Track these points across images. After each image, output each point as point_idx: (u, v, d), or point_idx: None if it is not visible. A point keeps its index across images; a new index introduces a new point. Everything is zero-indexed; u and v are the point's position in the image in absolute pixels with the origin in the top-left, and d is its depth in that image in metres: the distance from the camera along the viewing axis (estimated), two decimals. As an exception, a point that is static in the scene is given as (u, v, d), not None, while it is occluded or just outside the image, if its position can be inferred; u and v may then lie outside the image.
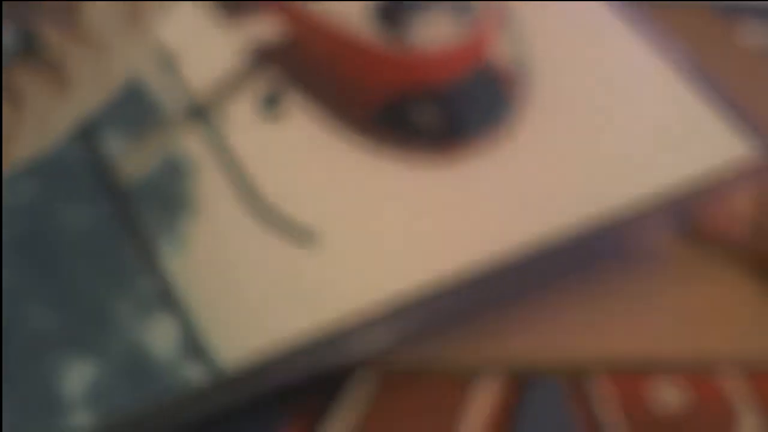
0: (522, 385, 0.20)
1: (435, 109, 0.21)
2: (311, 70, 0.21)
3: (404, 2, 0.22)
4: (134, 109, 0.20)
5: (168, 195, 0.19)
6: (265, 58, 0.21)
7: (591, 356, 0.21)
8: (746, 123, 0.22)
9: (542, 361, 0.20)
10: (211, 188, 0.19)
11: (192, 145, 0.20)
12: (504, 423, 0.20)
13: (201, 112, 0.21)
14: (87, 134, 0.20)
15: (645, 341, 0.21)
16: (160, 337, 0.18)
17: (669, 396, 0.20)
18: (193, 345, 0.18)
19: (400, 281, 0.18)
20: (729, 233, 0.24)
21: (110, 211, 0.19)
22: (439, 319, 0.19)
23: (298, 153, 0.20)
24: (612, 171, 0.20)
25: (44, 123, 0.20)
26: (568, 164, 0.20)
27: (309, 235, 0.19)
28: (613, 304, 0.21)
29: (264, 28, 0.22)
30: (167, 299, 0.18)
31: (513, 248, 0.18)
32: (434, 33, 0.22)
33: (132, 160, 0.20)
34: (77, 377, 0.17)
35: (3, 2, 0.21)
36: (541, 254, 0.18)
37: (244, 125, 0.20)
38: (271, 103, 0.21)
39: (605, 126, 0.21)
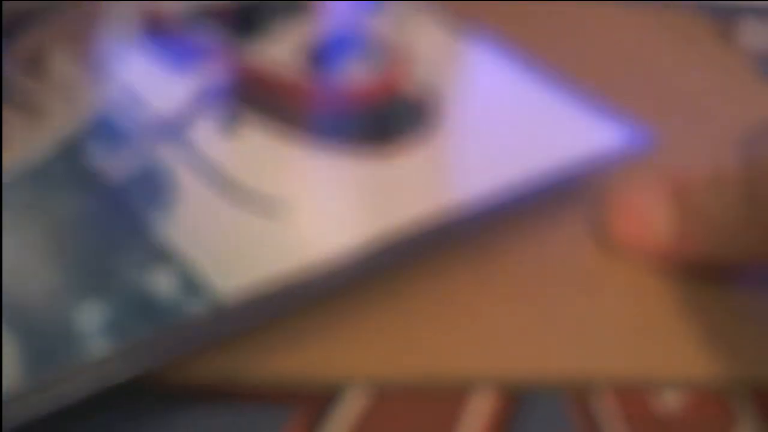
0: (519, 397, 0.22)
1: (362, 124, 0.26)
2: (258, 101, 0.26)
3: (330, 49, 0.28)
4: (111, 129, 0.24)
5: (150, 185, 0.23)
6: (218, 93, 0.26)
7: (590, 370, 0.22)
8: (610, 117, 0.27)
9: (538, 376, 0.22)
10: (188, 181, 0.23)
11: (165, 152, 0.24)
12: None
13: (169, 131, 0.25)
14: (72, 149, 0.24)
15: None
16: (161, 283, 0.20)
17: (669, 397, 0.22)
18: (192, 285, 0.20)
19: (348, 239, 0.22)
20: (643, 240, 0.25)
21: (101, 199, 0.22)
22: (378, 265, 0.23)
23: (259, 154, 0.24)
24: (498, 163, 0.25)
25: (24, 150, 0.23)
26: (468, 159, 0.25)
27: (274, 207, 0.23)
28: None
29: (211, 73, 0.27)
30: (163, 255, 0.21)
31: (430, 215, 0.23)
32: (354, 72, 0.28)
33: (113, 166, 0.23)
34: (91, 315, 0.19)
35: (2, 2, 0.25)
36: (450, 220, 0.23)
37: (209, 139, 0.24)
38: (230, 123, 0.25)
39: (494, 131, 0.27)
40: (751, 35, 0.38)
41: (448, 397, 0.21)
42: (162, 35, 0.28)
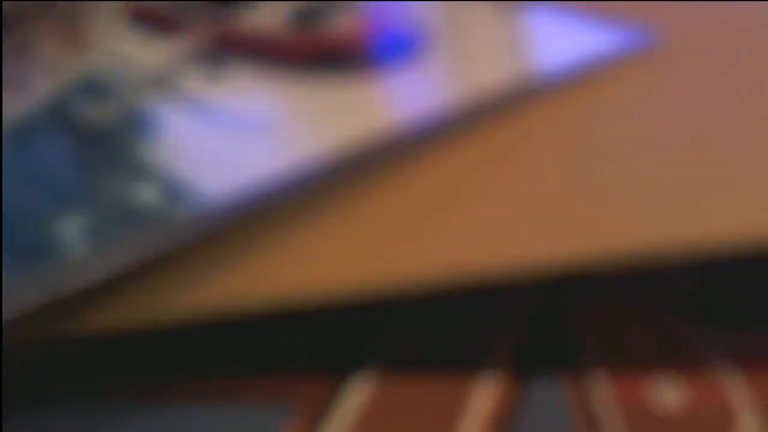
0: (522, 386, 0.21)
1: (351, 58, 0.26)
2: (243, 55, 0.27)
3: (316, 7, 0.28)
4: (96, 85, 0.25)
5: (135, 126, 0.23)
6: (202, 52, 0.27)
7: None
8: (602, 23, 0.28)
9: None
10: (172, 116, 0.23)
11: (152, 99, 0.24)
12: (502, 425, 0.20)
13: (155, 83, 0.25)
14: (57, 104, 0.24)
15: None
16: (145, 191, 0.20)
17: (668, 397, 0.21)
18: (175, 192, 0.20)
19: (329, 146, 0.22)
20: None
21: (86, 141, 0.22)
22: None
23: (244, 88, 0.25)
24: (487, 73, 0.25)
25: (11, 113, 0.23)
26: (458, 75, 0.26)
27: (257, 126, 0.23)
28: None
29: (195, 36, 0.27)
30: (145, 171, 0.21)
31: (418, 118, 0.23)
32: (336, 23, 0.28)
33: (99, 115, 0.23)
34: (73, 225, 0.19)
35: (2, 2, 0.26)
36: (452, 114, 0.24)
37: (195, 85, 0.25)
38: (215, 71, 0.25)
39: (481, 51, 0.27)
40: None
41: (450, 393, 0.21)
42: (148, 13, 0.29)
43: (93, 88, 0.25)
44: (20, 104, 0.24)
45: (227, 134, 0.22)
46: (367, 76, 0.25)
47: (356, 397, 0.20)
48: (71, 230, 0.19)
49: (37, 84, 0.25)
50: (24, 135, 0.23)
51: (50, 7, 0.28)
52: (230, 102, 0.24)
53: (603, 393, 0.21)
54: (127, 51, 0.27)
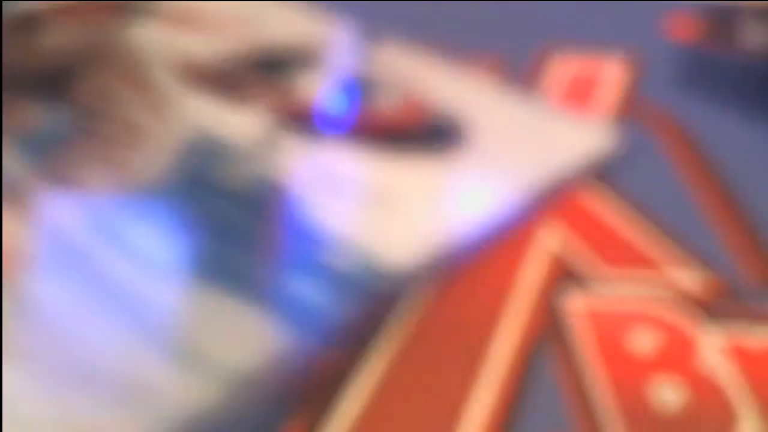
0: (520, 388, 0.22)
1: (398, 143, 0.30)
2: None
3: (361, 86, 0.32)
4: (211, 152, 0.28)
5: (272, 185, 0.26)
6: (284, 120, 0.30)
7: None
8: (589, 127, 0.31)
9: None
10: (301, 184, 0.26)
11: (270, 164, 0.27)
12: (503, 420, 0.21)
13: (264, 147, 0.28)
14: (187, 165, 0.27)
15: None
16: (342, 262, 0.24)
17: (668, 397, 0.22)
18: (366, 259, 0.24)
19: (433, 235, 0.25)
20: None
21: (239, 199, 0.25)
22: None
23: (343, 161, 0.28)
24: (515, 170, 0.29)
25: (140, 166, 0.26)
26: (491, 166, 0.29)
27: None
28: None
29: (264, 109, 0.30)
30: (335, 247, 0.24)
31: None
32: (382, 103, 0.31)
33: (231, 178, 0.26)
34: (309, 288, 0.23)
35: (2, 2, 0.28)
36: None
37: (297, 152, 0.28)
38: (301, 137, 0.29)
39: (510, 147, 0.30)
40: (752, 35, 0.37)
41: (450, 393, 0.22)
42: (206, 79, 0.31)
43: (205, 151, 0.27)
44: (139, 167, 0.26)
45: (353, 202, 0.26)
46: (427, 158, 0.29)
47: (357, 395, 0.21)
48: (313, 293, 0.23)
49: (148, 147, 0.27)
50: (176, 200, 0.25)
51: (110, 60, 0.29)
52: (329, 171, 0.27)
53: (603, 393, 0.21)
54: (207, 115, 0.29)
